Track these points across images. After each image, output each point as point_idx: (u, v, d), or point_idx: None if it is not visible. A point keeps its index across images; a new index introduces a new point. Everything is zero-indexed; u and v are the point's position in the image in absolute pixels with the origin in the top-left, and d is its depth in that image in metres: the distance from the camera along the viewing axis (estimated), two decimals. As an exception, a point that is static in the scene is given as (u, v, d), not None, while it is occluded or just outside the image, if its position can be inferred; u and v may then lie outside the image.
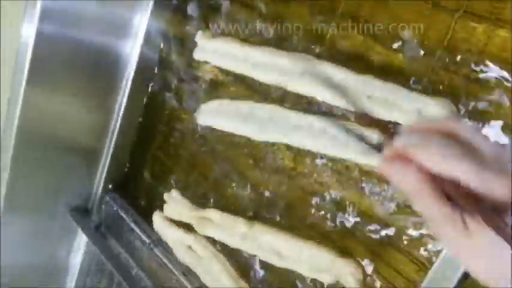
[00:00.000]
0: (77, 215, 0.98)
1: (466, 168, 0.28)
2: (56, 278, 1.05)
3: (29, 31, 0.79)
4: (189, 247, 0.85)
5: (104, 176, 0.97)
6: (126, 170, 0.99)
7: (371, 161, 0.61)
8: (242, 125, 0.76)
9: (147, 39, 0.88)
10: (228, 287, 0.78)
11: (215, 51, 0.80)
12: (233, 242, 0.78)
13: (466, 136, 0.30)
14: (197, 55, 0.83)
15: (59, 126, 0.90)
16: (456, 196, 0.29)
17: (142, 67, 0.90)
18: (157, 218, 0.90)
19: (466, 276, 0.49)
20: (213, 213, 0.81)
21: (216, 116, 0.81)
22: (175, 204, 0.88)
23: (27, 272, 1.00)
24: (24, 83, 0.81)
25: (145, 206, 0.96)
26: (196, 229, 0.83)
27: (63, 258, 1.03)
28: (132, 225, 0.92)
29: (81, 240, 1.02)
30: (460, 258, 0.30)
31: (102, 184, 0.97)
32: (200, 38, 0.83)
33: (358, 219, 0.64)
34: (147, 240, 0.89)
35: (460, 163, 0.28)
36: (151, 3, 0.86)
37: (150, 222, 0.91)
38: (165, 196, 0.90)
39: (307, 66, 0.66)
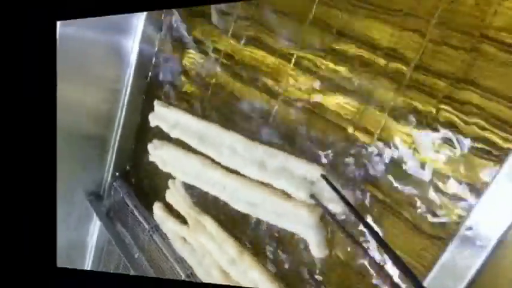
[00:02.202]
0: (93, 200, 1.05)
1: None
2: (75, 257, 1.13)
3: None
4: (184, 239, 0.88)
5: (112, 163, 1.03)
6: (132, 157, 1.04)
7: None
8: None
9: (144, 36, 0.95)
10: (218, 279, 0.78)
11: (167, 120, 0.88)
12: (221, 261, 0.77)
13: None
14: (151, 120, 0.92)
15: (72, 116, 0.97)
16: None
17: (141, 61, 0.97)
18: (157, 209, 0.93)
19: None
20: (209, 224, 0.81)
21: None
22: (177, 193, 0.90)
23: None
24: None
25: (149, 192, 1.00)
26: (190, 228, 0.85)
27: (82, 239, 1.12)
28: (135, 211, 0.96)
29: (96, 225, 1.10)
30: None
31: (111, 171, 1.03)
32: (157, 104, 0.92)
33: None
34: (147, 227, 0.94)
35: None
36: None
37: (151, 209, 0.94)
38: (169, 182, 0.92)
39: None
